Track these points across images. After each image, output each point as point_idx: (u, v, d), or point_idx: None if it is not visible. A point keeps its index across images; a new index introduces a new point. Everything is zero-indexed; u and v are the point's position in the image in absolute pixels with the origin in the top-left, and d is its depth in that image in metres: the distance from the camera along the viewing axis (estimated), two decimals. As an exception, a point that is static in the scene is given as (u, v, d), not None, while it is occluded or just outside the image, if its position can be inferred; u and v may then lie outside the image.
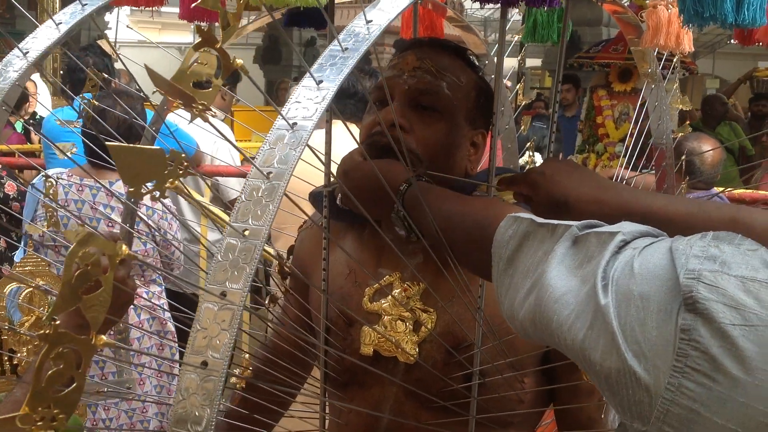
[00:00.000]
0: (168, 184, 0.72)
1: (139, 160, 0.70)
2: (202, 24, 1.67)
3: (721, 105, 7.67)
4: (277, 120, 0.89)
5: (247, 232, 0.82)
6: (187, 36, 16.38)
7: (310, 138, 0.89)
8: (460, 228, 1.16)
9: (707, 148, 3.47)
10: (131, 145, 0.68)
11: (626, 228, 0.89)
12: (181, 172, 0.72)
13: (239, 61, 0.79)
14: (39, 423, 0.66)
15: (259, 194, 0.84)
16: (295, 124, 0.88)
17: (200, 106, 0.73)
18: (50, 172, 3.16)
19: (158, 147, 0.70)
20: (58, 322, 0.65)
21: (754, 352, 0.72)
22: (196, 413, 0.77)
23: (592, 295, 0.82)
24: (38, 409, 0.65)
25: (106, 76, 1.88)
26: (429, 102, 1.43)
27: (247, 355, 1.64)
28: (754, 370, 0.72)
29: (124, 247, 0.68)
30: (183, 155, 0.71)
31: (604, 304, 0.80)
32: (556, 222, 0.96)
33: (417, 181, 1.30)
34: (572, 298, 0.85)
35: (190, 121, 0.77)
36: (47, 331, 0.64)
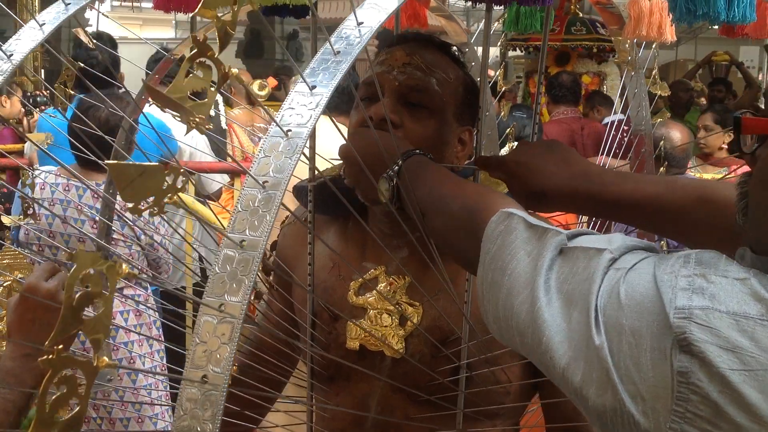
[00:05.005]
0: (167, 200, 0.71)
1: (138, 176, 0.69)
2: (184, 16, 1.64)
3: (684, 92, 7.42)
4: (271, 127, 0.88)
5: (244, 243, 0.82)
6: (168, 31, 16.22)
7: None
8: (448, 210, 1.12)
9: (677, 135, 3.51)
10: (130, 162, 0.67)
11: (614, 243, 0.85)
12: (179, 186, 0.71)
13: (234, 71, 0.78)
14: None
15: (256, 204, 0.83)
16: (289, 131, 0.87)
17: (197, 119, 0.72)
18: (43, 169, 3.12)
19: (156, 163, 0.69)
20: (61, 347, 0.64)
21: (758, 398, 0.69)
22: (198, 429, 0.76)
23: (584, 327, 0.79)
24: (43, 435, 0.65)
25: (82, 65, 1.83)
26: (419, 99, 1.42)
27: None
28: (761, 417, 0.70)
29: (124, 266, 0.67)
30: (182, 170, 0.70)
31: (598, 344, 0.77)
32: (545, 225, 0.93)
33: (418, 155, 1.27)
34: (563, 322, 0.82)
35: (186, 132, 0.75)
36: (50, 356, 0.63)
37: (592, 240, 0.87)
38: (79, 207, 2.79)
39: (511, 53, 7.57)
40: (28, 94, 5.19)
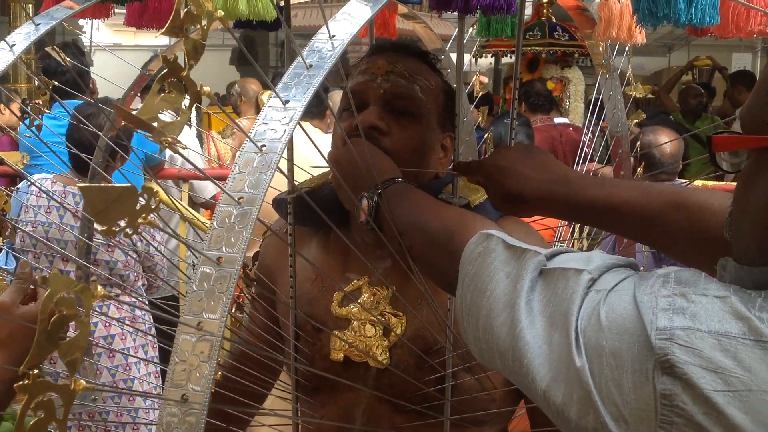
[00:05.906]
0: (141, 220, 0.71)
1: (109, 198, 0.69)
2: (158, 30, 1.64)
3: (693, 98, 7.28)
4: (246, 143, 0.88)
5: (221, 260, 0.81)
6: (163, 38, 16.16)
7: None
8: (428, 231, 1.13)
9: (664, 140, 3.46)
10: (99, 185, 0.67)
11: (593, 263, 0.84)
12: (153, 207, 0.71)
13: (206, 89, 0.78)
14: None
15: (231, 220, 0.83)
16: (263, 146, 0.87)
17: (169, 139, 0.72)
18: (35, 177, 3.10)
19: (128, 184, 0.69)
20: (36, 372, 0.64)
21: (743, 419, 0.69)
22: (179, 449, 0.76)
23: (565, 349, 0.78)
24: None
25: (55, 83, 1.82)
26: (403, 106, 1.42)
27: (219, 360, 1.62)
28: None
29: (99, 288, 0.67)
30: (156, 191, 0.70)
31: (579, 365, 0.76)
32: (524, 246, 0.92)
33: (399, 183, 1.27)
34: (544, 344, 0.81)
35: (159, 153, 0.75)
36: (27, 382, 0.63)
37: (571, 259, 0.87)
38: (76, 214, 2.78)
39: (504, 60, 7.60)
40: (28, 102, 5.15)
